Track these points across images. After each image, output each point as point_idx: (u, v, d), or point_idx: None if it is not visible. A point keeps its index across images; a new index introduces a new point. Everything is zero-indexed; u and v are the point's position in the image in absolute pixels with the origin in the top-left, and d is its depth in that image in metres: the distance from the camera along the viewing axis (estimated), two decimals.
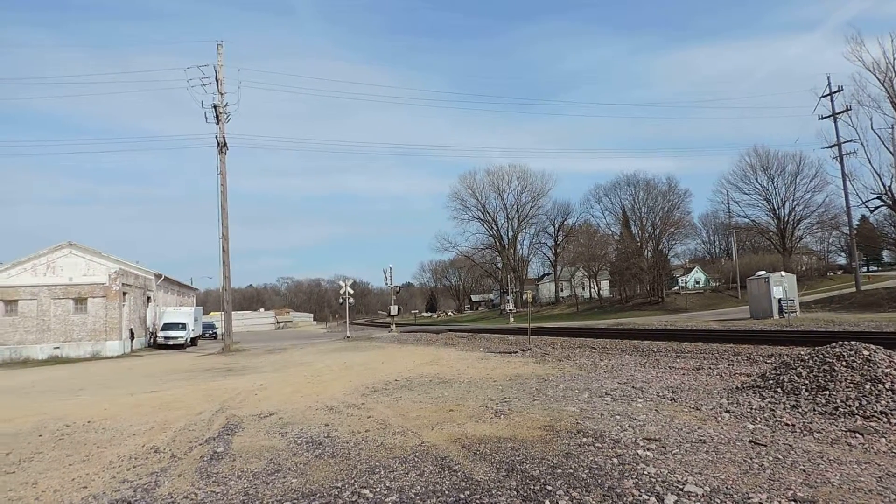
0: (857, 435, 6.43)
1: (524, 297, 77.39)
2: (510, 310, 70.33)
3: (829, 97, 48.31)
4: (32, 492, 5.88)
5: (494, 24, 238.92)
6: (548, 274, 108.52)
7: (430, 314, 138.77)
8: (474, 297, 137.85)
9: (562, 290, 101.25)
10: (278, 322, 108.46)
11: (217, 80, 35.09)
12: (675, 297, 71.35)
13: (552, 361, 16.67)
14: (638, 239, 78.49)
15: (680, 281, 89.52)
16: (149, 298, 45.51)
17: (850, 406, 7.46)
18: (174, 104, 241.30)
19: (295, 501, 5.08)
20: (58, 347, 35.55)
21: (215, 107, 35.00)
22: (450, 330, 47.49)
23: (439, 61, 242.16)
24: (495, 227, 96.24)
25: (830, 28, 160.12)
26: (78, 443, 8.28)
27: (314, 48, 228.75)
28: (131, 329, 39.59)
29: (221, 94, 35.24)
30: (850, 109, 47.04)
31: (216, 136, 35.06)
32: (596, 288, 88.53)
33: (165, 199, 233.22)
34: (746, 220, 76.33)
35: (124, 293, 38.62)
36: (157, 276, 47.35)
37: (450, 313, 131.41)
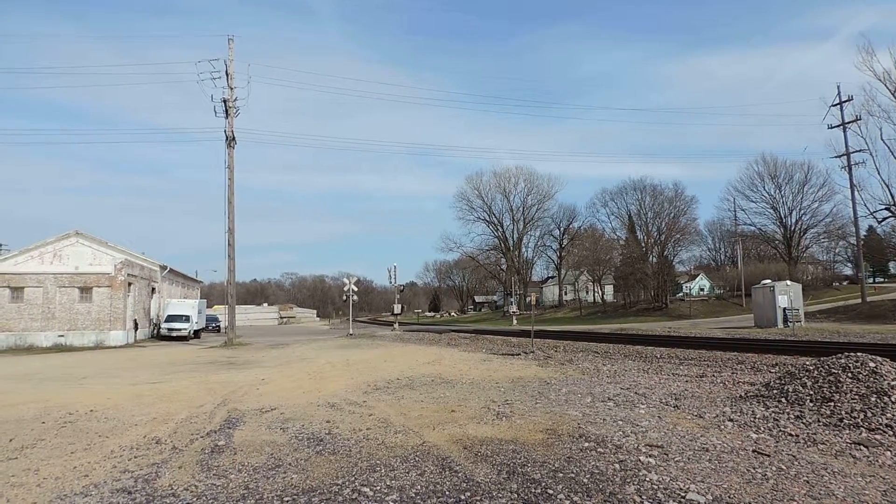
0: (862, 447, 6.38)
1: (528, 299, 77.28)
2: (513, 312, 70.20)
3: (838, 107, 48.14)
4: (34, 478, 5.90)
5: (509, 27, 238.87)
6: (552, 277, 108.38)
7: (433, 314, 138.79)
8: (478, 298, 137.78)
9: (565, 294, 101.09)
10: (281, 317, 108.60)
11: (227, 75, 35.13)
12: (679, 304, 71.18)
13: (555, 365, 16.64)
14: (643, 244, 78.39)
15: (684, 287, 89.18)
16: (153, 290, 45.68)
17: (855, 418, 7.41)
18: (187, 97, 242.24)
19: (295, 497, 5.07)
20: (62, 335, 35.72)
21: (225, 101, 35.05)
22: (452, 330, 47.49)
23: (453, 63, 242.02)
24: (500, 229, 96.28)
25: (843, 38, 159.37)
26: (80, 431, 8.31)
27: (330, 46, 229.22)
28: (135, 319, 39.74)
29: (231, 89, 35.28)
30: (860, 119, 46.89)
31: (225, 130, 35.13)
32: (600, 292, 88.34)
33: (173, 192, 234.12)
34: (753, 228, 76.16)
35: (129, 283, 38.76)
36: (163, 268, 47.52)
37: (453, 314, 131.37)
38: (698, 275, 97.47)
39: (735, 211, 75.28)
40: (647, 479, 5.35)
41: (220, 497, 5.11)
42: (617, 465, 5.81)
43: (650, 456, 6.14)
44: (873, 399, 7.72)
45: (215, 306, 75.35)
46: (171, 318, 42.57)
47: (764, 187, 72.98)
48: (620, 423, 7.91)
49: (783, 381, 9.37)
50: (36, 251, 38.54)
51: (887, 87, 44.17)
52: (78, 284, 36.75)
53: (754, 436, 7.04)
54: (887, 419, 7.18)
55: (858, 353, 9.06)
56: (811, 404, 8.23)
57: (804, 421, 7.67)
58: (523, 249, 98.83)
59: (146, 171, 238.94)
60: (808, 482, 5.24)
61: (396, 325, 52.17)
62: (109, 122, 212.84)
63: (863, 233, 59.75)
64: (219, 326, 58.45)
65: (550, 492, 5.05)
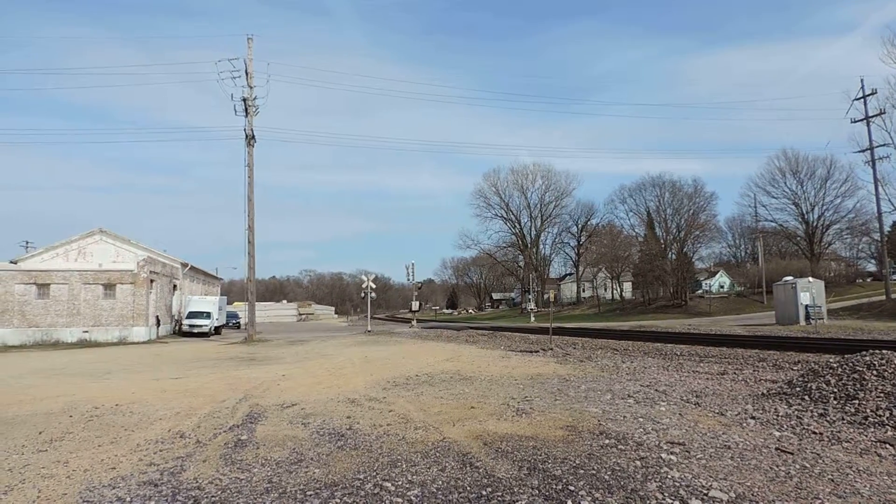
0: (888, 446, 6.29)
1: (546, 296, 77.06)
2: (531, 309, 70.10)
3: (862, 100, 47.21)
4: (64, 470, 6.04)
5: (526, 25, 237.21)
6: (570, 274, 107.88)
7: (450, 311, 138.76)
8: (495, 296, 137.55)
9: (584, 291, 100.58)
10: (300, 314, 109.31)
11: (247, 74, 35.43)
12: (699, 301, 70.36)
13: (574, 362, 16.59)
14: (662, 241, 77.64)
15: (704, 284, 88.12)
16: (175, 286, 46.27)
17: (880, 416, 7.30)
18: (208, 97, 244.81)
19: (318, 491, 5.14)
20: (87, 331, 36.36)
21: (244, 100, 35.38)
22: (470, 327, 47.50)
23: (470, 61, 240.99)
24: (518, 226, 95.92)
25: (867, 31, 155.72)
26: (106, 425, 8.48)
27: (347, 45, 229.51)
28: (157, 316, 40.30)
29: (251, 88, 35.59)
30: (884, 113, 46.02)
31: (244, 129, 35.47)
32: (618, 289, 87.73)
33: (194, 190, 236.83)
34: (774, 224, 75.11)
35: (151, 280, 39.30)
36: (184, 265, 48.11)
37: (470, 311, 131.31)
38: (718, 271, 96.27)
39: (756, 207, 74.41)
40: (669, 476, 5.33)
41: (245, 490, 5.20)
42: (638, 462, 5.79)
43: (672, 453, 6.11)
44: None
45: (235, 303, 76.19)
46: (192, 315, 43.10)
47: (785, 183, 71.99)
48: (641, 420, 7.88)
49: (806, 379, 9.26)
50: (61, 248, 39.33)
51: None
52: (102, 281, 37.35)
53: (777, 433, 6.97)
54: None
55: (884, 351, 8.93)
56: (835, 402, 8.12)
57: (828, 419, 7.57)
58: (541, 246, 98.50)
59: (168, 169, 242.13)
60: (832, 480, 5.19)
61: (414, 322, 52.31)
62: (131, 122, 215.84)
63: (887, 228, 58.61)
64: (239, 323, 59.14)
65: (572, 488, 5.05)
